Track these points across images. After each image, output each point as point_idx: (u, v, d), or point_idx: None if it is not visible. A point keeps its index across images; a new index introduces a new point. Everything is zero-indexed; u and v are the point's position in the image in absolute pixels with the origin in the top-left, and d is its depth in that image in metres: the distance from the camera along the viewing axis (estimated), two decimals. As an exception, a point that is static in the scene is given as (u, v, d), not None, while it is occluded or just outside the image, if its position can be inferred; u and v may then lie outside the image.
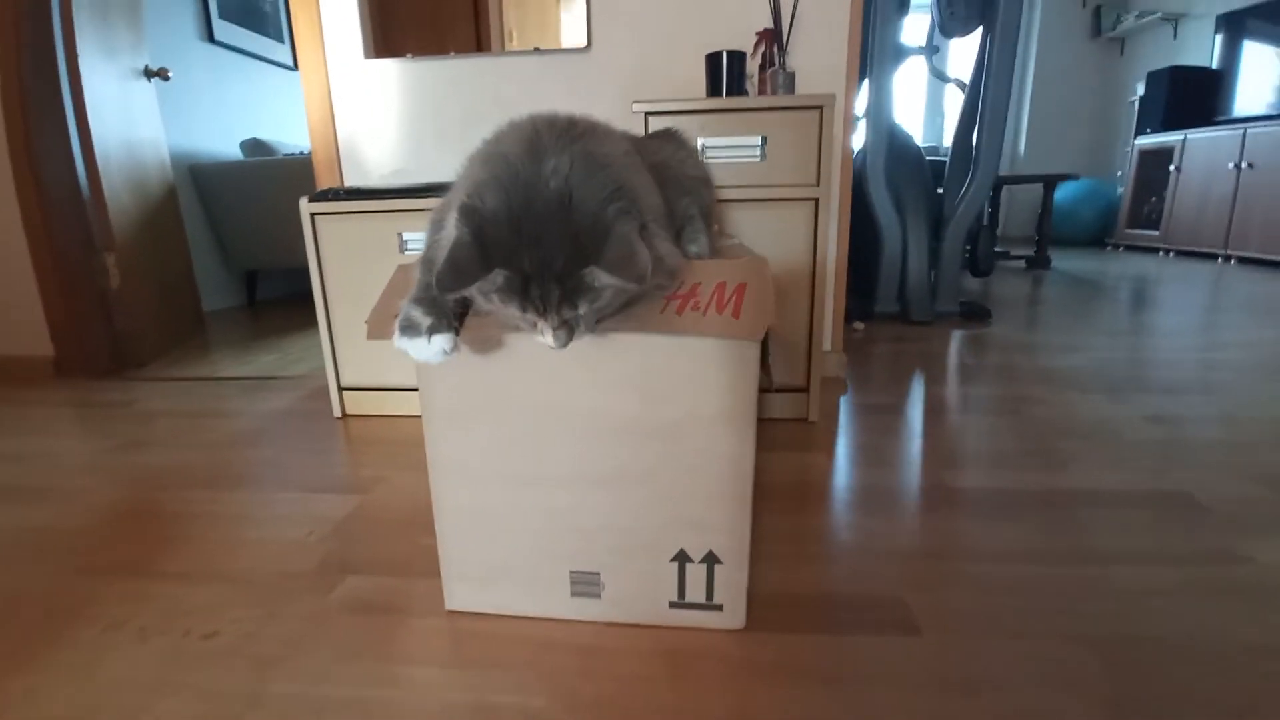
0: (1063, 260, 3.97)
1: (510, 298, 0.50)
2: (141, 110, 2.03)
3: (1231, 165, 3.58)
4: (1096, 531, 0.85)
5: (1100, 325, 2.16)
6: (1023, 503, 0.93)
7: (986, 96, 2.10)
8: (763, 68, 1.40)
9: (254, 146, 2.93)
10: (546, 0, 1.45)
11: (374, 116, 1.54)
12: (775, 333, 1.25)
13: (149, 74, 2.04)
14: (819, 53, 1.42)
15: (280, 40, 3.23)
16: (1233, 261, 3.63)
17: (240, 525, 0.92)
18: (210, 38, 2.82)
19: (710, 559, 0.65)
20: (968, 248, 2.74)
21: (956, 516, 0.90)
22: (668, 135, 0.86)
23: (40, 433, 1.35)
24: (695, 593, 0.66)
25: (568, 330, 0.51)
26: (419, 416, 1.32)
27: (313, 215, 1.26)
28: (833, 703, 0.57)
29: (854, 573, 0.77)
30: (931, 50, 2.49)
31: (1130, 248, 4.48)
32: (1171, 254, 4.09)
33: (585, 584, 0.68)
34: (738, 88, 1.29)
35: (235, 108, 3.00)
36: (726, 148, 1.15)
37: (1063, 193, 4.56)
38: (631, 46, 1.45)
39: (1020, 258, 3.77)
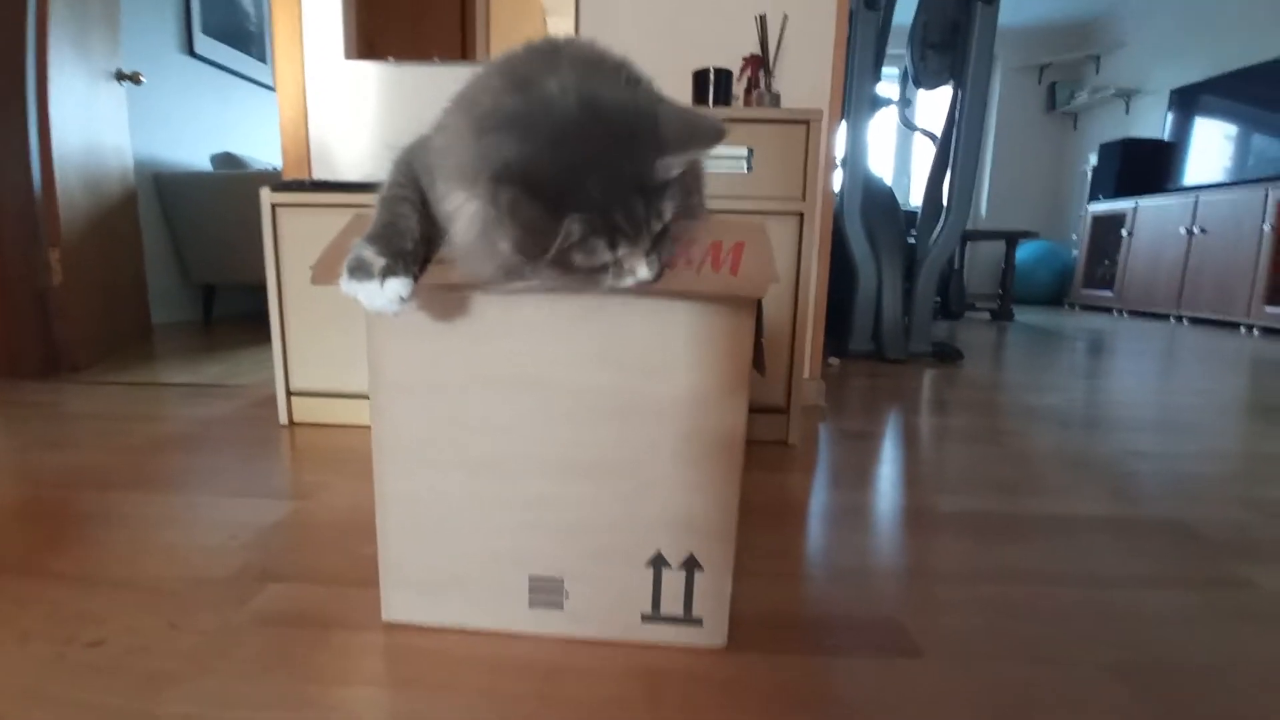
0: (1024, 314, 4.09)
1: (593, 242, 0.42)
2: (109, 112, 1.95)
3: (1183, 230, 3.77)
4: (1097, 555, 0.80)
5: (1069, 370, 2.19)
6: (1017, 526, 0.88)
7: (959, 144, 2.17)
8: (748, 91, 1.41)
9: (225, 160, 2.85)
10: (534, 15, 1.45)
11: (349, 118, 1.49)
12: (766, 319, 1.21)
13: (120, 77, 1.97)
14: (804, 79, 1.44)
15: (264, 61, 3.20)
16: (1184, 322, 3.78)
17: (152, 528, 0.81)
18: (190, 50, 2.78)
19: (690, 564, 0.57)
20: (938, 296, 2.79)
21: (949, 538, 0.84)
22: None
23: (-61, 431, 1.20)
24: (672, 604, 0.58)
25: (658, 255, 0.45)
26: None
27: (274, 206, 1.18)
28: (830, 730, 0.49)
29: (844, 592, 0.70)
30: (904, 102, 2.58)
31: (1086, 307, 4.66)
32: (1125, 314, 4.25)
33: (546, 592, 0.59)
34: (724, 104, 1.28)
35: (209, 122, 2.94)
36: (713, 157, 1.13)
37: (1022, 253, 4.75)
38: (618, 63, 1.45)
39: (985, 309, 3.87)
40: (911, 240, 2.46)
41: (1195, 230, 3.67)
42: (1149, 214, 4.08)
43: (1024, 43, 5.06)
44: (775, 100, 1.30)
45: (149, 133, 2.56)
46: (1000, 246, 3.81)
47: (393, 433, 0.58)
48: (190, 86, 2.82)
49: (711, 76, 1.25)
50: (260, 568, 0.71)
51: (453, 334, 0.55)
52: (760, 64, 1.39)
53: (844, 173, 2.23)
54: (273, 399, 1.41)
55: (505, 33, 1.43)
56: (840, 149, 2.19)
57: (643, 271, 0.45)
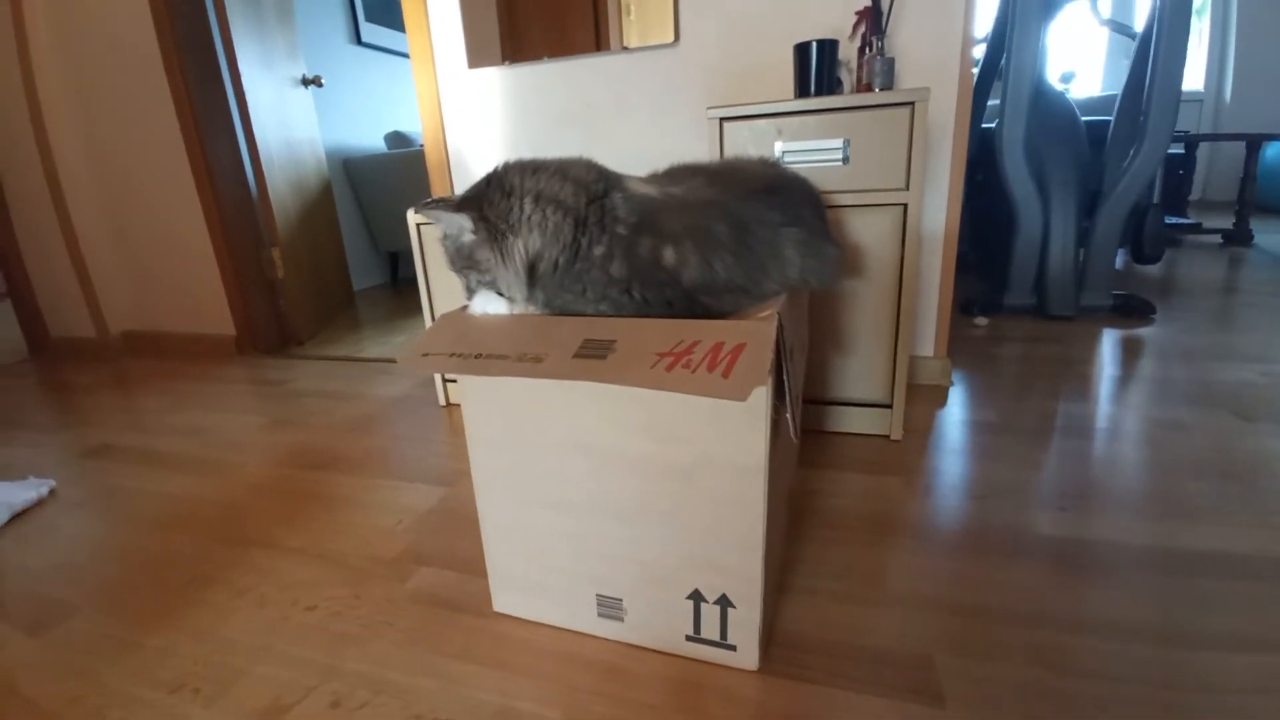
0: (1270, 234, 3.27)
1: None
2: (300, 115, 2.31)
3: None
4: (1197, 606, 0.73)
5: (1300, 325, 1.78)
6: (1121, 561, 0.82)
7: (1159, 46, 1.76)
8: (861, 51, 1.29)
9: (395, 139, 3.22)
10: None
11: (476, 123, 1.64)
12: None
13: (305, 82, 2.31)
14: (925, 33, 1.28)
15: (417, 36, 3.48)
16: None
17: (346, 508, 1.08)
18: (358, 40, 3.12)
19: (723, 601, 0.66)
20: (1131, 233, 2.34)
21: (1027, 570, 0.82)
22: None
23: (217, 409, 1.64)
24: (710, 630, 0.68)
25: None
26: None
27: (418, 225, 1.38)
28: (829, 765, 0.57)
29: (889, 622, 0.74)
30: (1095, -8, 2.12)
31: (1380, 214, 3.57)
32: None
33: (610, 607, 0.72)
34: (828, 80, 1.20)
35: (379, 102, 3.31)
36: (805, 151, 1.09)
37: (1272, 151, 3.72)
38: (720, 38, 1.40)
39: (1216, 231, 3.15)
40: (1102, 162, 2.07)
41: None
42: None
43: None
44: (888, 68, 1.19)
45: (333, 123, 2.97)
46: (1240, 148, 3.02)
47: (487, 476, 0.73)
48: (361, 73, 3.19)
49: (814, 52, 1.18)
50: (415, 551, 0.94)
51: (515, 401, 0.67)
52: (874, 17, 1.26)
53: (1004, 89, 1.92)
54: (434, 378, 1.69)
55: (639, 20, 1.44)
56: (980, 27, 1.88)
57: None
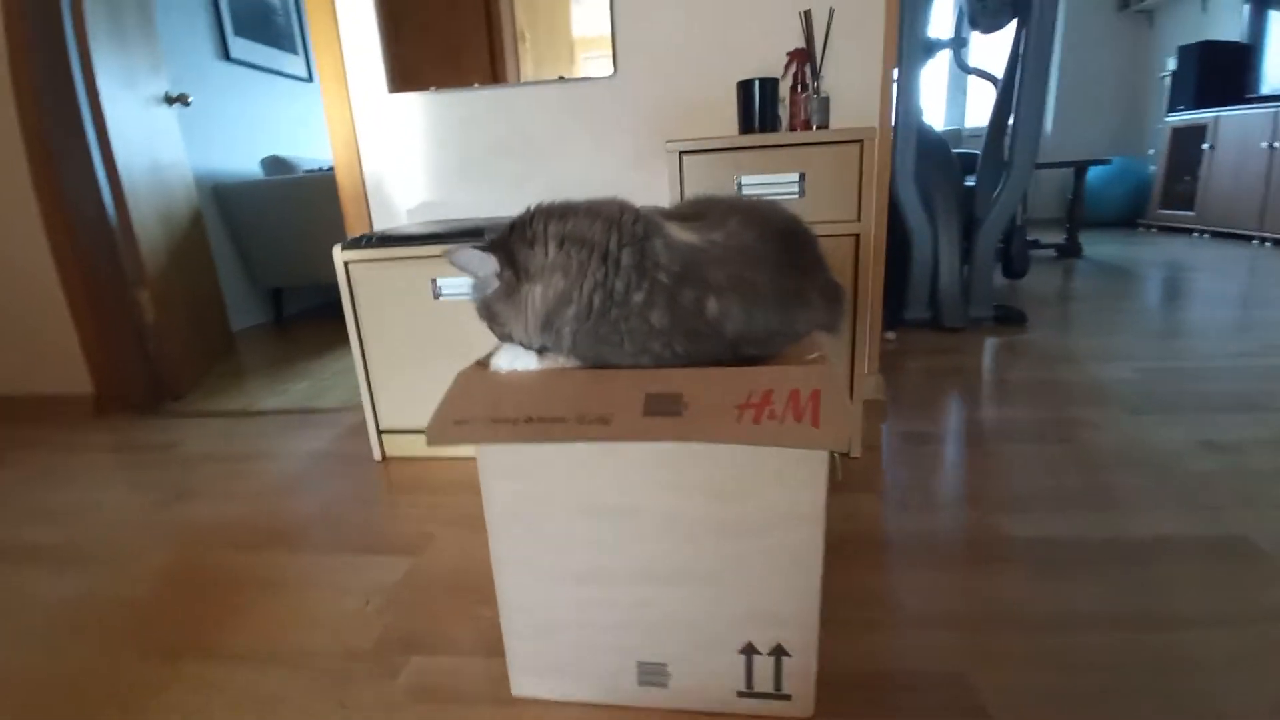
0: (1094, 245, 3.87)
1: None
2: (165, 137, 2.03)
3: (1265, 144, 3.45)
4: (1162, 589, 0.83)
5: (1140, 326, 2.11)
6: (1083, 555, 0.91)
7: (1022, 92, 2.03)
8: (794, 89, 1.36)
9: (274, 163, 2.93)
10: (562, 23, 1.42)
11: (398, 151, 1.53)
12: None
13: (169, 100, 2.04)
14: (852, 72, 1.38)
15: (294, 52, 3.22)
16: (1267, 244, 3.51)
17: (298, 593, 0.94)
18: (226, 55, 2.82)
19: (778, 651, 0.64)
20: (1000, 246, 2.67)
21: (1015, 573, 0.88)
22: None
23: (84, 484, 1.37)
24: (763, 683, 0.66)
25: None
26: (461, 459, 1.33)
27: (345, 263, 1.25)
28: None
29: (911, 644, 0.76)
30: (959, 43, 2.41)
31: (1164, 228, 4.36)
32: (1206, 235, 3.97)
33: (652, 674, 0.67)
34: (771, 116, 1.25)
35: (253, 124, 3.00)
36: (763, 185, 1.12)
37: (1093, 171, 4.43)
38: (658, 73, 1.42)
39: (1050, 246, 3.67)
40: (970, 183, 2.35)
41: (1277, 145, 3.35)
42: (1230, 126, 3.73)
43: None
44: (824, 105, 1.26)
45: (201, 146, 2.65)
46: (1064, 172, 3.58)
47: (509, 552, 0.66)
48: (231, 91, 2.88)
49: (757, 89, 1.22)
50: (398, 637, 0.82)
51: (556, 471, 0.61)
52: (806, 58, 1.34)
53: (894, 126, 2.12)
54: (362, 428, 1.53)
55: (535, 49, 1.41)
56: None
57: None
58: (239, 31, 2.86)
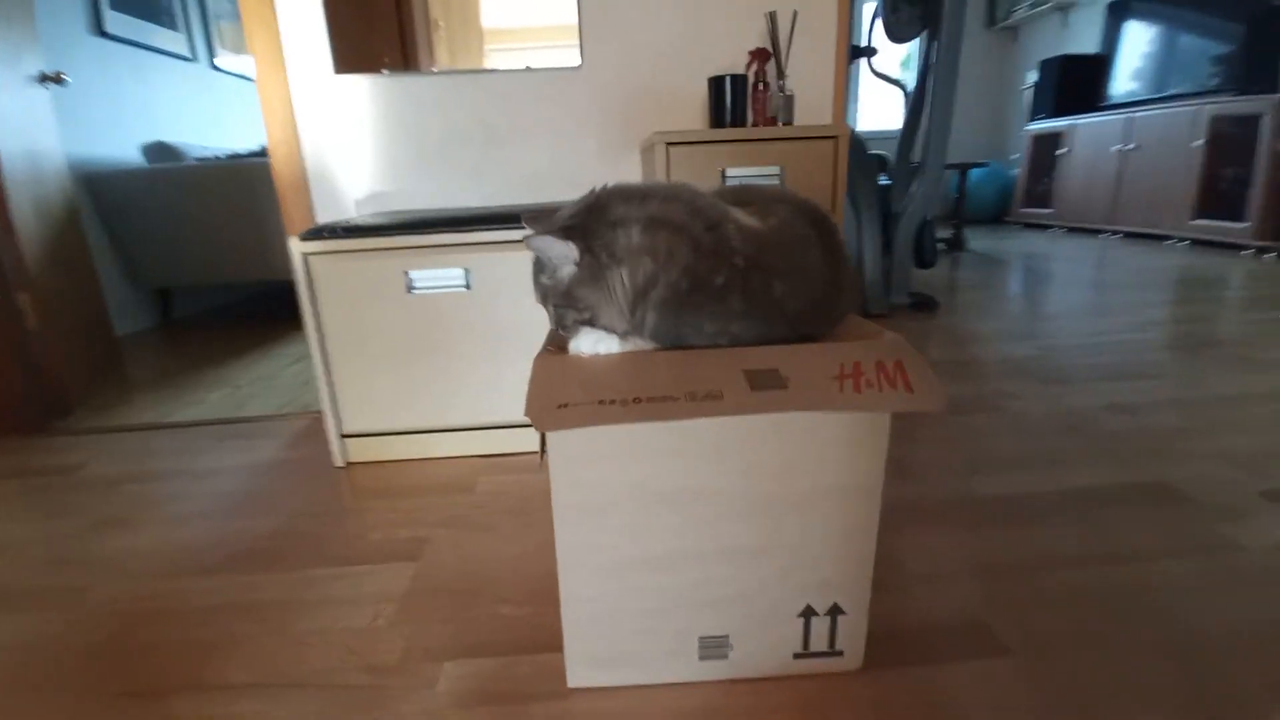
0: (973, 239, 4.31)
1: None
2: (40, 121, 1.76)
3: (1115, 148, 4.00)
4: (1115, 530, 0.95)
5: (1029, 310, 2.38)
6: (1045, 506, 1.03)
7: (934, 98, 2.22)
8: (755, 86, 1.42)
9: (158, 150, 2.63)
10: (472, 20, 1.38)
11: (345, 137, 1.42)
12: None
13: (44, 79, 1.77)
14: (808, 71, 1.46)
15: (175, 29, 2.88)
16: (1117, 236, 4.08)
17: (291, 613, 0.86)
18: (101, 30, 2.48)
19: (835, 610, 0.68)
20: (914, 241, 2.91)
21: (996, 528, 0.98)
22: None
23: (-14, 516, 1.17)
24: (819, 642, 0.69)
25: None
26: (432, 460, 1.27)
27: (305, 255, 1.15)
28: (971, 739, 0.62)
29: (925, 599, 0.83)
30: (871, 52, 2.60)
31: (1027, 224, 4.94)
32: (1063, 230, 4.54)
33: (714, 647, 0.69)
34: (741, 111, 1.30)
35: (133, 107, 2.67)
36: (746, 177, 1.16)
37: (974, 174, 4.94)
38: (623, 66, 1.42)
39: (940, 240, 4.04)
40: (884, 181, 2.54)
41: (1128, 148, 3.91)
42: (1085, 132, 4.29)
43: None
44: (789, 102, 1.32)
45: (73, 130, 2.32)
46: (951, 172, 3.96)
47: (576, 542, 0.65)
48: (106, 70, 2.54)
49: (728, 85, 1.26)
50: (424, 646, 0.78)
51: (625, 461, 0.61)
52: (767, 57, 1.40)
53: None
54: (310, 434, 1.42)
55: (450, 37, 1.37)
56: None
57: None
58: (115, 4, 2.53)
